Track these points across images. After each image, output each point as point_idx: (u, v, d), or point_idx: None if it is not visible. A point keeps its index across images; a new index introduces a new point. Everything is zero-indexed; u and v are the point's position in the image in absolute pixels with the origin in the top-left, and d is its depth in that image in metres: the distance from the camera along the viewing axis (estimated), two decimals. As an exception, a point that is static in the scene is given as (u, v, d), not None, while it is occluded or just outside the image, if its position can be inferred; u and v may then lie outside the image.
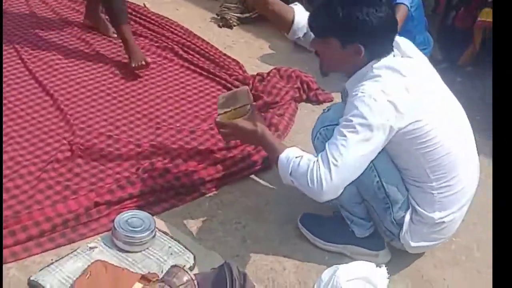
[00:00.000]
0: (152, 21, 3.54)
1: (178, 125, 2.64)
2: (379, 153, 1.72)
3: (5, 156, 2.29)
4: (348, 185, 1.72)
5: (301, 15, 2.06)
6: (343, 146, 1.64)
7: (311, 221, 2.13)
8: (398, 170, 1.84)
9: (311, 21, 1.84)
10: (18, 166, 2.26)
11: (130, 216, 1.98)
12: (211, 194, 2.29)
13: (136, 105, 2.75)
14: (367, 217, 1.97)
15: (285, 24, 2.09)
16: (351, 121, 1.66)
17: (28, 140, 2.42)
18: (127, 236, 1.91)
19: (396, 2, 2.79)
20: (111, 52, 3.18)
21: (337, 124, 1.72)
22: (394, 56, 1.78)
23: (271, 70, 3.04)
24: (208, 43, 3.36)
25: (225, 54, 3.25)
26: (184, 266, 1.81)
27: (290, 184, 1.77)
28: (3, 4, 3.40)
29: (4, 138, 2.39)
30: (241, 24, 3.65)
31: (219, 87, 2.97)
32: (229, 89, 2.92)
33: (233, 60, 3.20)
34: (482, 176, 2.00)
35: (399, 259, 2.04)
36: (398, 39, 1.82)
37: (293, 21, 2.06)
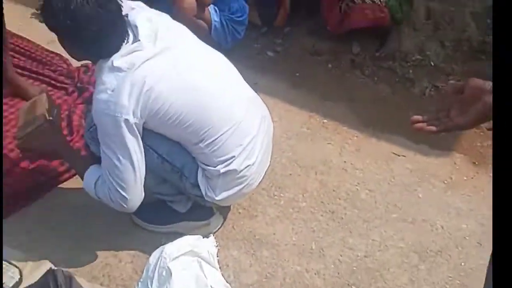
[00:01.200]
0: None
1: None
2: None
3: None
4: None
5: None
6: (116, 166, 1.76)
7: (142, 209, 2.11)
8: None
9: None
10: None
11: None
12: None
13: None
14: (178, 192, 1.98)
15: None
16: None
17: None
18: None
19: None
20: None
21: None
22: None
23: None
24: (29, 41, 3.18)
25: (47, 50, 3.09)
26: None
27: None
28: None
29: None
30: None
31: (44, 85, 2.83)
32: (54, 86, 2.80)
33: (57, 54, 3.05)
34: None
35: (234, 223, 2.09)
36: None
37: None
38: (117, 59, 1.69)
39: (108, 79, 1.69)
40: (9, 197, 2.12)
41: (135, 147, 1.75)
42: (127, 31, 1.75)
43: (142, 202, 1.87)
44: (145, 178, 1.82)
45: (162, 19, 1.86)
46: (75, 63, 2.99)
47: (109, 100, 1.68)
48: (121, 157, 1.74)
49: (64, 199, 2.22)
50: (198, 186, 1.89)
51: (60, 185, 2.28)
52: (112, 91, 1.68)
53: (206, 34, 2.87)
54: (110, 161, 1.76)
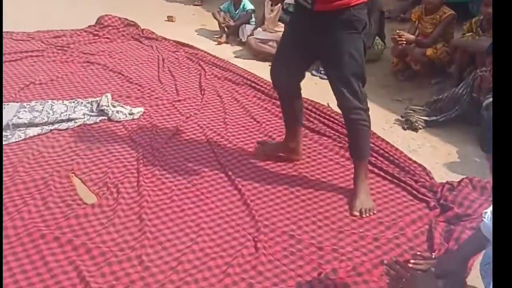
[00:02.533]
0: (336, 121, 3.60)
1: (361, 230, 2.56)
2: None
3: (195, 247, 2.40)
4: None
5: None
6: None
7: None
8: None
9: None
10: (207, 257, 2.34)
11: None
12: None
13: (319, 206, 2.74)
14: None
15: None
16: None
17: (216, 232, 2.52)
18: None
19: None
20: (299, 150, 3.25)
21: None
22: None
23: (462, 179, 2.85)
24: (392, 146, 3.30)
25: (410, 159, 3.15)
26: None
27: None
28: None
29: (195, 228, 2.52)
30: (427, 128, 3.54)
31: (404, 193, 2.85)
32: (415, 196, 2.80)
33: (419, 165, 3.08)
34: None
35: None
36: None
37: None
38: None
39: None
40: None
41: None
42: None
43: None
44: None
45: None
46: (437, 179, 2.97)
47: None
48: None
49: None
50: None
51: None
52: None
53: None
54: None
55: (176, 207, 2.68)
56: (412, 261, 1.95)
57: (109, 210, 2.62)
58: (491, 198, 2.68)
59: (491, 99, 3.28)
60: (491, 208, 1.95)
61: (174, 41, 5.17)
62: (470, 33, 3.80)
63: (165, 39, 5.23)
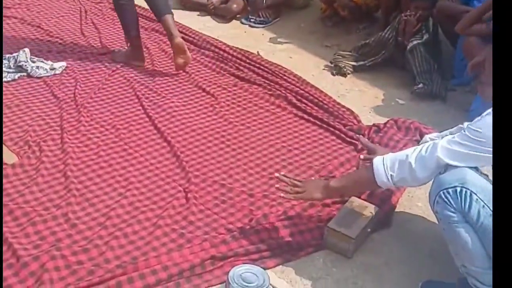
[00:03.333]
0: (266, 69, 3.57)
1: (290, 175, 2.58)
2: None
3: (124, 201, 2.35)
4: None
5: None
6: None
7: (433, 288, 1.96)
8: None
9: None
10: (136, 211, 2.30)
11: (244, 271, 1.92)
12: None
13: (249, 154, 2.74)
14: None
15: None
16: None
17: (146, 185, 2.47)
18: (241, 291, 1.86)
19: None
20: (226, 100, 3.22)
21: (455, 186, 1.68)
22: None
23: (388, 121, 2.92)
24: (321, 91, 3.32)
25: (338, 103, 3.18)
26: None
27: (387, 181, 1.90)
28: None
29: (124, 183, 2.47)
30: (355, 72, 3.58)
31: (333, 137, 2.90)
32: (343, 140, 2.85)
33: (347, 109, 3.12)
34: None
35: None
36: None
37: None
38: None
39: None
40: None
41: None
42: None
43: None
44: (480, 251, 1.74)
45: None
46: (365, 122, 3.03)
47: None
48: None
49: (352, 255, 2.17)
50: None
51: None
52: None
53: None
54: None
55: (104, 163, 2.60)
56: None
57: (32, 169, 2.51)
58: (415, 138, 2.79)
59: (415, 42, 3.34)
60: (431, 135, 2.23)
61: (97, -9, 4.92)
62: (396, -23, 3.82)
63: (88, -10, 4.96)
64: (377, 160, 1.93)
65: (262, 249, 2.13)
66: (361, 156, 2.35)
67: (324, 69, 3.65)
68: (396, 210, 2.39)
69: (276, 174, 2.23)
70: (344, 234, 2.11)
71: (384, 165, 1.89)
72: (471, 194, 1.66)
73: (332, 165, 2.64)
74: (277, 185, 2.17)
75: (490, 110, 1.66)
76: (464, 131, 1.73)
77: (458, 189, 1.67)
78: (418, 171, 1.81)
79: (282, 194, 2.14)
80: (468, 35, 2.87)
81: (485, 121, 1.66)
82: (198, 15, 4.58)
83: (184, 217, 2.29)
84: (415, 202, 2.45)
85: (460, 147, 1.72)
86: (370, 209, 2.23)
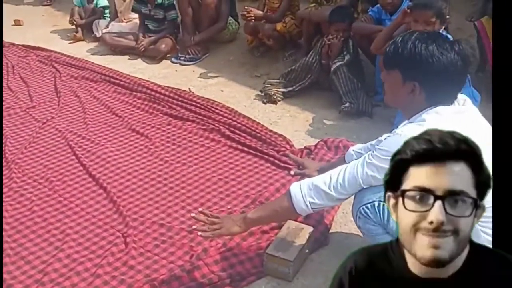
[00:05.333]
0: (198, 105, 3.62)
1: (229, 207, 2.61)
2: None
3: (61, 254, 2.32)
4: None
5: None
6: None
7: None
8: None
9: (386, 52, 1.84)
10: (74, 263, 2.27)
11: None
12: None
13: (186, 190, 2.76)
14: None
15: None
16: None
17: (83, 235, 2.45)
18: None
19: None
20: (161, 140, 3.24)
21: (373, 201, 1.78)
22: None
23: (318, 142, 3.01)
24: (254, 120, 3.39)
25: (271, 130, 3.26)
26: None
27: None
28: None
29: (60, 236, 2.44)
30: (285, 99, 3.67)
31: (268, 164, 2.95)
32: (277, 166, 2.91)
33: (280, 135, 3.20)
34: None
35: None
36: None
37: None
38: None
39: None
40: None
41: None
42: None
43: None
44: None
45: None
46: (297, 145, 3.11)
47: None
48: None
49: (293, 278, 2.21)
50: None
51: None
52: None
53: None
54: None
55: (38, 218, 2.56)
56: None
57: (-38, 233, 2.45)
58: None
59: (338, 64, 3.47)
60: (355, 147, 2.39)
61: (23, 45, 4.88)
62: (313, 4, 3.97)
63: (14, 44, 4.92)
64: (293, 187, 1.96)
65: (204, 284, 2.13)
66: (292, 172, 2.41)
67: (255, 99, 3.73)
68: (332, 228, 2.45)
69: (192, 214, 2.20)
70: (282, 258, 2.14)
71: (302, 192, 1.93)
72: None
73: (269, 191, 2.68)
74: (194, 226, 2.14)
75: (396, 130, 1.75)
76: (374, 151, 1.80)
77: (376, 203, 1.74)
78: (335, 195, 1.87)
79: (200, 233, 2.11)
80: (382, 54, 3.01)
81: (392, 140, 1.74)
82: (129, 58, 4.61)
83: (124, 263, 2.28)
84: (349, 218, 2.50)
85: (374, 169, 1.78)
86: (306, 231, 2.27)
